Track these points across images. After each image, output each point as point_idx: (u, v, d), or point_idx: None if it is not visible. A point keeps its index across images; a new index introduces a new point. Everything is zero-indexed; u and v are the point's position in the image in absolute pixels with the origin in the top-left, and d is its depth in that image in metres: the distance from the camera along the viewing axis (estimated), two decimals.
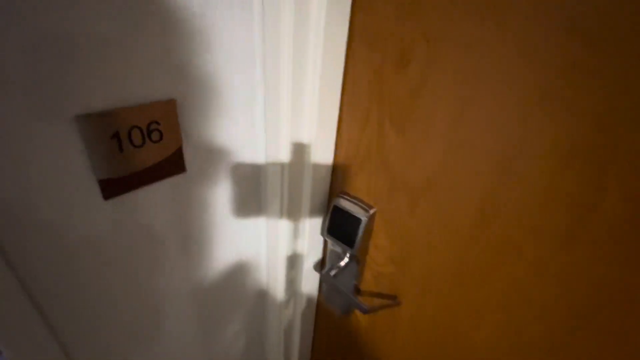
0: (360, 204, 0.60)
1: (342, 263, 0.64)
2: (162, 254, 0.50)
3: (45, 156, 0.33)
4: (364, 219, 0.58)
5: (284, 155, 0.55)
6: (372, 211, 0.59)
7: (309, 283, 0.76)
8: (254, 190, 0.60)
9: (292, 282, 0.73)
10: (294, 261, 0.70)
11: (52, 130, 0.33)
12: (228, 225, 0.59)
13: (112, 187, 0.39)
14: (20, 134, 0.31)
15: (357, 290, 0.69)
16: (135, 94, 0.38)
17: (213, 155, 0.50)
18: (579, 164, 0.36)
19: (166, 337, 0.58)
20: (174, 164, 0.45)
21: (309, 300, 0.79)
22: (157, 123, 0.40)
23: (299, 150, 0.56)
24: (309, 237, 0.67)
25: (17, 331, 0.37)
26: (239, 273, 0.67)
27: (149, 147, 0.41)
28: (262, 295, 0.76)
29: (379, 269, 0.64)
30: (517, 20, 0.36)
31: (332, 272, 0.63)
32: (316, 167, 0.59)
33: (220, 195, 0.54)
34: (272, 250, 0.68)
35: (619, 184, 0.34)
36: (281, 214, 0.62)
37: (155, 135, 0.41)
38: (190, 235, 0.53)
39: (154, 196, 0.44)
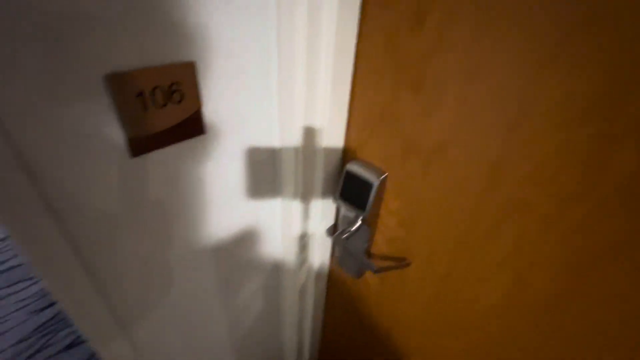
0: (372, 168, 0.61)
1: (354, 227, 0.66)
2: (184, 211, 0.53)
3: (78, 115, 0.36)
4: (375, 183, 0.60)
5: (298, 121, 0.57)
6: (383, 176, 0.60)
7: (322, 248, 0.79)
8: (268, 156, 0.62)
9: (305, 246, 0.76)
10: (306, 226, 0.73)
11: (83, 89, 0.35)
12: (244, 188, 0.61)
13: (138, 146, 0.42)
14: (55, 95, 0.33)
15: (368, 253, 0.72)
16: (156, 55, 0.39)
17: (230, 119, 0.52)
18: (591, 121, 0.37)
19: (186, 290, 0.63)
20: (194, 126, 0.47)
21: (322, 264, 0.82)
22: (178, 84, 0.42)
23: (312, 117, 0.57)
24: (322, 202, 0.69)
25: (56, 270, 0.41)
26: (255, 235, 0.70)
27: (170, 108, 0.43)
28: (277, 259, 0.80)
29: (390, 232, 0.67)
30: None
31: (344, 235, 0.66)
32: (329, 133, 0.60)
33: (237, 159, 0.56)
34: (285, 214, 0.71)
35: (632, 140, 0.35)
36: (295, 180, 0.64)
37: (176, 96, 0.43)
38: (209, 194, 0.55)
39: (176, 155, 0.47)
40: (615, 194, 0.37)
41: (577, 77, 0.36)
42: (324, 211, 0.71)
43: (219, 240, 0.63)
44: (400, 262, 0.67)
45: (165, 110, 0.42)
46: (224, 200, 0.58)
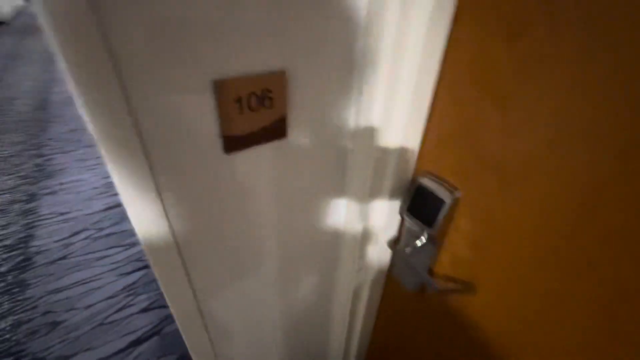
0: (445, 185, 0.60)
1: (419, 242, 0.65)
2: (263, 206, 0.58)
3: (188, 110, 0.42)
4: (448, 200, 0.58)
5: (374, 133, 0.58)
6: (457, 193, 0.58)
7: (382, 257, 0.78)
8: (341, 164, 0.64)
9: (365, 252, 0.77)
10: (369, 234, 0.73)
11: (195, 89, 0.41)
12: (316, 191, 0.64)
13: (232, 143, 0.47)
14: (173, 89, 0.39)
15: (430, 271, 0.69)
16: (254, 65, 0.44)
17: (310, 124, 0.55)
18: None
19: (257, 273, 0.67)
20: (279, 129, 0.51)
21: (379, 272, 0.82)
22: (270, 91, 0.46)
23: (388, 125, 0.58)
24: (388, 213, 0.69)
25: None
26: (319, 232, 0.73)
27: (262, 112, 0.47)
28: (337, 259, 0.82)
29: (457, 252, 0.64)
30: None
31: (407, 250, 0.65)
32: (404, 143, 0.60)
33: (312, 160, 0.60)
34: (350, 217, 0.72)
35: None
36: (363, 189, 0.65)
37: (267, 102, 0.47)
38: (286, 191, 0.59)
39: (262, 155, 0.51)
40: None
41: None
42: (388, 220, 0.71)
43: (289, 231, 0.66)
44: (464, 286, 0.63)
45: (257, 115, 0.47)
46: (298, 197, 0.62)
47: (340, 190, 0.68)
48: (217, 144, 0.46)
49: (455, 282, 0.66)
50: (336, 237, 0.77)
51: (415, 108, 0.56)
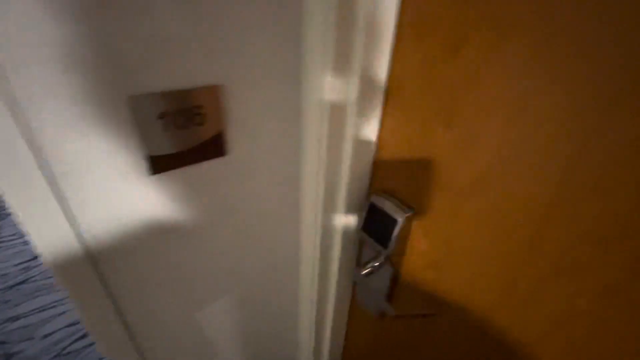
0: (398, 203, 0.57)
1: (376, 263, 0.61)
2: (200, 232, 0.53)
3: (101, 131, 0.38)
4: (400, 219, 0.55)
5: (324, 149, 0.55)
6: (409, 212, 0.55)
7: (343, 280, 0.75)
8: (291, 183, 0.61)
9: (325, 277, 0.73)
10: (328, 257, 0.70)
11: (108, 108, 0.37)
12: (264, 214, 0.61)
13: (157, 164, 0.43)
14: (84, 113, 0.36)
15: (390, 294, 0.66)
16: (181, 80, 0.41)
17: (253, 142, 0.52)
18: None
19: (205, 306, 0.63)
20: (214, 148, 0.47)
21: (342, 296, 0.78)
22: (200, 107, 0.43)
23: (338, 142, 0.55)
24: (345, 233, 0.66)
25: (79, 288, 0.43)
26: (273, 259, 0.69)
27: (192, 130, 0.44)
28: (295, 285, 0.78)
29: (417, 274, 0.61)
30: None
31: (364, 271, 0.61)
32: (355, 163, 0.57)
33: (258, 184, 0.56)
34: (306, 243, 0.68)
35: None
36: (316, 209, 0.62)
37: (198, 119, 0.44)
38: (230, 217, 0.56)
39: (195, 176, 0.48)
40: None
41: None
42: (345, 242, 0.67)
43: (235, 262, 0.62)
44: (426, 310, 0.60)
45: (187, 132, 0.43)
46: (246, 218, 0.58)
47: (292, 210, 0.65)
48: (142, 165, 0.42)
49: (418, 304, 0.63)
50: (292, 261, 0.73)
51: (365, 122, 0.54)
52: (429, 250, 0.57)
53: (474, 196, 0.47)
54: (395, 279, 0.64)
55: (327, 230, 0.65)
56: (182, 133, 0.43)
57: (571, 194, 0.37)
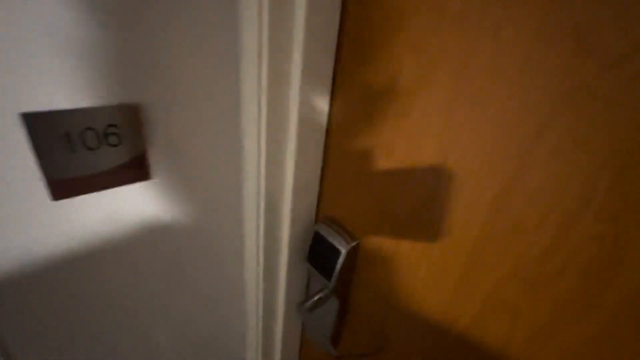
0: (343, 233, 0.54)
1: (319, 296, 0.57)
2: (121, 265, 0.48)
3: None
4: (343, 251, 0.52)
5: (263, 173, 0.52)
6: (353, 243, 0.52)
7: (291, 315, 0.70)
8: (230, 210, 0.58)
9: (271, 311, 0.68)
10: (273, 289, 0.65)
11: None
12: (199, 246, 0.56)
13: (61, 188, 0.38)
14: None
15: (337, 330, 0.62)
16: (92, 96, 0.37)
17: (183, 166, 0.48)
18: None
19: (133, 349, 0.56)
20: (135, 171, 0.43)
21: (291, 332, 0.72)
22: (115, 126, 0.39)
23: (278, 168, 0.52)
24: (291, 265, 0.62)
25: None
26: (214, 297, 0.64)
27: (105, 151, 0.40)
28: (242, 325, 0.72)
29: (363, 309, 0.57)
30: (515, 29, 0.30)
31: (307, 305, 0.57)
32: (299, 188, 0.54)
33: (189, 209, 0.52)
34: (250, 277, 0.64)
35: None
36: (258, 239, 0.58)
37: (113, 139, 0.40)
38: (154, 249, 0.51)
39: (110, 201, 0.43)
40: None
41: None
42: (292, 274, 0.63)
43: (169, 299, 0.57)
44: (372, 348, 0.56)
45: (98, 154, 0.39)
46: (174, 251, 0.53)
47: (233, 239, 0.61)
48: (43, 189, 0.38)
49: (365, 343, 0.59)
50: (236, 295, 0.68)
51: (308, 145, 0.51)
52: (372, 285, 0.54)
53: (411, 228, 0.45)
54: (341, 314, 0.60)
55: (270, 262, 0.61)
56: (93, 155, 0.39)
57: (497, 232, 0.35)
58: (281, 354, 0.71)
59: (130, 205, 0.45)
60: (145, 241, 0.49)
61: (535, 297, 0.33)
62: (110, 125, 0.39)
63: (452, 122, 0.36)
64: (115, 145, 0.40)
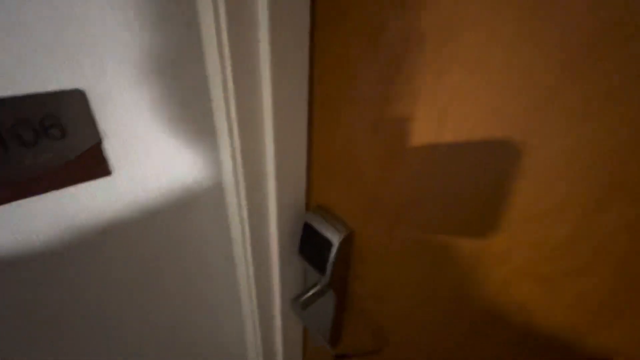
0: (335, 223, 0.49)
1: (314, 291, 0.52)
2: (85, 276, 0.44)
3: None
4: (335, 241, 0.47)
5: (241, 159, 0.46)
6: (345, 233, 0.47)
7: (291, 312, 0.65)
8: (209, 206, 0.52)
9: (268, 311, 0.63)
10: (268, 287, 0.61)
11: None
12: (179, 247, 0.51)
13: None
14: None
15: (336, 327, 0.57)
16: (20, 82, 0.32)
17: (149, 158, 0.43)
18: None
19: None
20: (90, 166, 0.38)
21: (293, 330, 0.68)
22: (55, 117, 0.34)
23: (257, 152, 0.47)
24: (283, 259, 0.57)
25: None
26: (204, 299, 0.60)
27: (46, 146, 0.34)
28: (238, 324, 0.68)
29: (361, 303, 0.52)
30: None
31: (301, 300, 0.52)
32: (283, 174, 0.49)
33: (161, 207, 0.47)
34: (241, 277, 0.59)
35: None
36: (243, 232, 0.53)
37: (54, 132, 0.34)
38: (126, 251, 0.46)
39: (68, 202, 0.38)
40: None
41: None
42: (285, 270, 0.58)
43: (154, 306, 0.53)
44: (371, 345, 0.52)
45: (39, 149, 0.34)
46: (148, 258, 0.49)
47: (214, 235, 0.56)
48: None
49: (364, 338, 0.54)
50: (229, 298, 0.63)
51: (288, 129, 0.45)
52: (367, 277, 0.49)
53: (404, 214, 0.39)
54: (339, 310, 0.55)
55: (260, 258, 0.56)
56: (31, 151, 0.34)
57: (508, 219, 0.29)
58: (283, 354, 0.68)
59: (92, 205, 0.40)
60: (116, 244, 0.44)
61: (551, 296, 0.28)
62: (49, 116, 0.34)
63: (445, 86, 0.29)
64: (59, 139, 0.35)
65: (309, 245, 0.51)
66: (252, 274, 0.57)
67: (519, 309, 0.31)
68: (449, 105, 0.30)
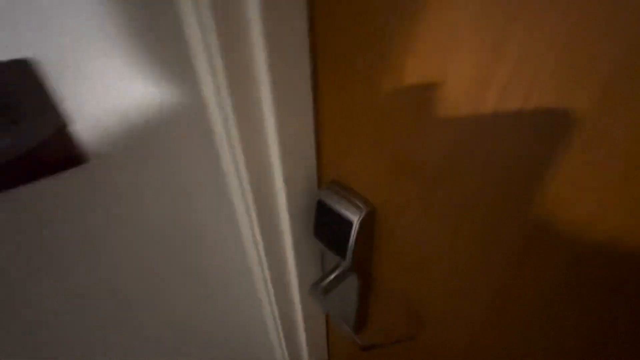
0: (353, 199, 0.42)
1: (334, 275, 0.47)
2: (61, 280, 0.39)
3: None
4: (354, 220, 0.40)
5: (237, 134, 0.40)
6: (366, 210, 0.40)
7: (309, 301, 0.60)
8: (209, 190, 0.46)
9: (286, 298, 0.58)
10: (282, 273, 0.55)
11: None
12: (178, 239, 0.46)
13: None
14: None
15: (361, 314, 0.52)
16: None
17: (130, 139, 0.37)
18: None
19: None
20: (57, 154, 0.32)
21: (314, 318, 0.64)
22: (5, 95, 0.28)
23: (258, 123, 0.40)
24: (297, 243, 0.51)
25: None
26: (215, 291, 0.55)
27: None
28: (257, 313, 0.64)
29: (390, 284, 0.46)
30: None
31: (321, 286, 0.47)
32: (289, 147, 0.42)
33: (149, 197, 0.41)
34: (253, 265, 0.54)
35: None
36: (250, 216, 0.47)
37: (9, 114, 0.28)
38: (102, 253, 0.41)
39: (31, 200, 0.33)
40: None
41: None
42: (301, 254, 0.53)
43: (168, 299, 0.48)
44: (404, 331, 0.46)
45: None
46: (141, 252, 0.44)
47: (219, 222, 0.50)
48: None
49: (395, 323, 0.49)
50: (240, 290, 0.59)
51: (289, 85, 0.38)
52: (399, 251, 0.42)
53: (444, 180, 0.32)
54: (364, 294, 0.50)
55: (271, 243, 0.50)
56: None
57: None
58: (307, 345, 0.63)
59: (69, 199, 0.35)
60: (105, 239, 0.39)
61: None
62: None
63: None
64: (13, 123, 0.29)
65: (324, 226, 0.45)
66: (265, 259, 0.51)
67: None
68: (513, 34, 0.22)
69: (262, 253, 0.50)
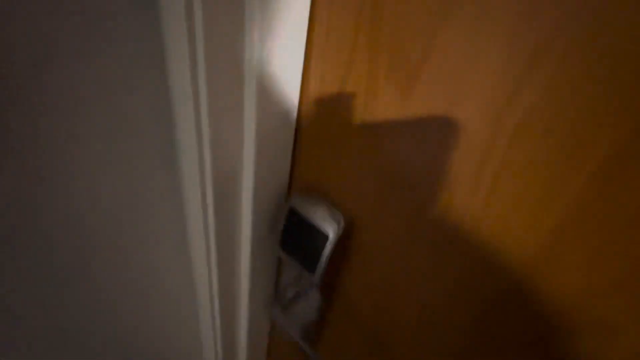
0: (329, 208, 0.38)
1: (296, 291, 0.43)
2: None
3: None
4: (331, 235, 0.36)
5: (207, 123, 0.33)
6: (343, 223, 0.37)
7: (259, 314, 0.54)
8: (161, 181, 0.39)
9: (232, 314, 0.52)
10: (233, 286, 0.49)
11: None
12: (113, 236, 0.38)
13: None
14: None
15: (317, 330, 0.48)
16: None
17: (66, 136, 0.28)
18: None
19: None
20: None
21: (259, 334, 0.58)
22: None
23: (233, 116, 0.34)
24: (256, 252, 0.45)
25: None
26: (146, 300, 0.46)
27: None
28: (195, 329, 0.56)
29: (352, 303, 0.43)
30: None
31: (283, 303, 0.42)
32: (263, 143, 0.36)
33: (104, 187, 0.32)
34: (199, 269, 0.47)
35: None
36: (205, 218, 0.40)
37: None
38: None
39: None
40: None
41: None
42: (258, 265, 0.47)
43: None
44: (361, 355, 0.44)
45: None
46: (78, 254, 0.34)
47: (168, 222, 0.43)
48: None
49: (351, 349, 0.46)
50: (182, 304, 0.51)
51: (277, 70, 0.33)
52: (368, 272, 0.40)
53: (423, 193, 0.30)
54: (324, 311, 0.46)
55: (226, 251, 0.44)
56: None
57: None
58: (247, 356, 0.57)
59: None
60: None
61: None
62: None
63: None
64: None
65: (294, 237, 0.40)
66: (215, 269, 0.45)
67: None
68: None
69: (214, 260, 0.43)
